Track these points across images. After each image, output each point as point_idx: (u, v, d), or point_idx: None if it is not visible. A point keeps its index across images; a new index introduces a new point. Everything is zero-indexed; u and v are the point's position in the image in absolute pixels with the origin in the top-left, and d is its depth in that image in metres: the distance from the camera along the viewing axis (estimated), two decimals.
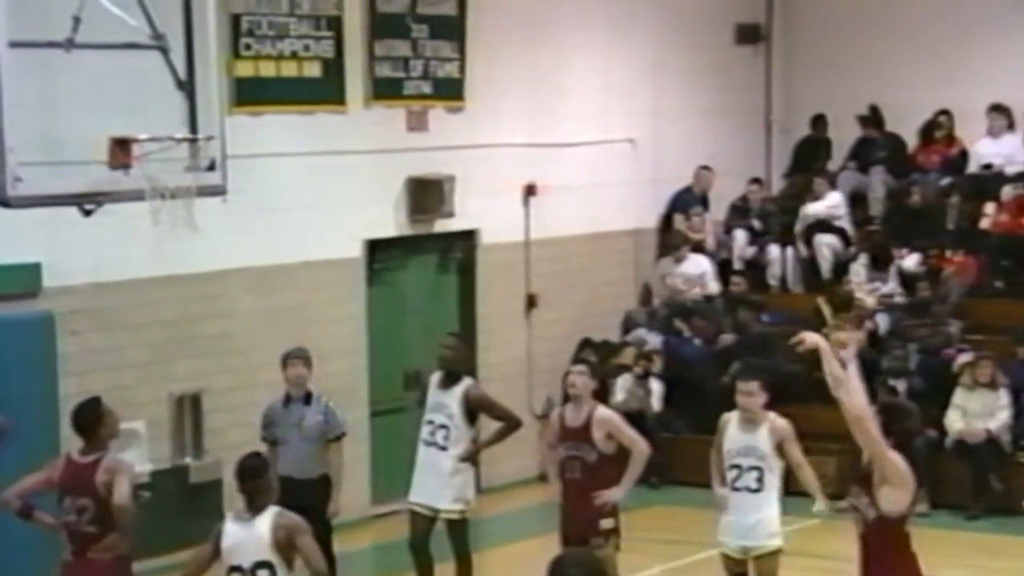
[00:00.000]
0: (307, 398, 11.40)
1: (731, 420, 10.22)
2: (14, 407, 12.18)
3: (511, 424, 11.65)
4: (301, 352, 11.57)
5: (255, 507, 8.18)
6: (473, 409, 11.53)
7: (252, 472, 8.26)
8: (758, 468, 10.07)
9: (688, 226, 17.92)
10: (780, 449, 10.11)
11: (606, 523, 10.40)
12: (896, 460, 7.66)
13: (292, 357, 11.51)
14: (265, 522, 8.12)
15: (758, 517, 10.12)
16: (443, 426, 11.44)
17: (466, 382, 11.59)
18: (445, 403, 11.45)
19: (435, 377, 11.58)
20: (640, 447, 10.47)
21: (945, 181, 17.78)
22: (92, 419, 9.33)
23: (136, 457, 12.09)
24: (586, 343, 16.89)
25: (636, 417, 16.20)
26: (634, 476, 10.48)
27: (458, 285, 16.26)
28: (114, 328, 13.06)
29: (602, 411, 10.56)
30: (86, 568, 9.22)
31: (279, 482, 10.22)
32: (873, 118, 18.55)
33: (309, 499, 10.50)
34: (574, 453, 10.44)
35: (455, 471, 11.46)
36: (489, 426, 12.11)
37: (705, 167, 18.10)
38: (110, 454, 9.27)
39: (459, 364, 11.64)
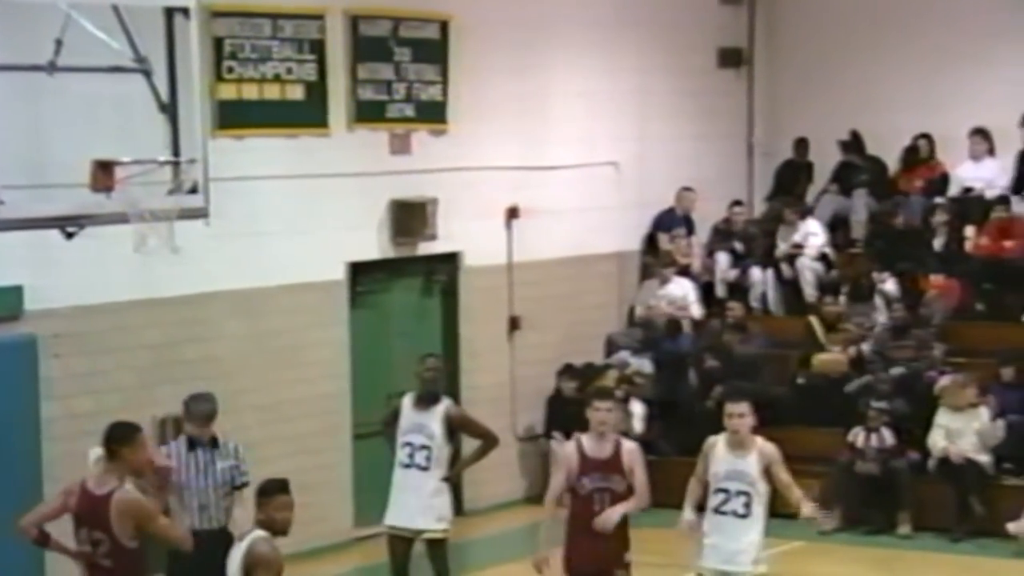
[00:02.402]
0: (214, 441, 10.46)
1: (718, 444, 10.10)
2: None
3: (490, 442, 11.69)
4: (201, 413, 10.49)
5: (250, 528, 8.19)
6: (453, 428, 11.54)
7: (264, 489, 8.24)
8: (746, 493, 9.96)
9: (674, 248, 17.93)
10: (767, 472, 10.01)
11: (628, 556, 10.12)
12: None
13: (192, 419, 10.50)
14: (241, 550, 8.14)
15: (744, 542, 10.02)
16: (424, 447, 11.41)
17: (445, 402, 11.58)
18: (425, 424, 11.42)
19: (408, 398, 11.55)
20: (647, 492, 10.17)
21: (937, 200, 17.74)
22: (118, 439, 9.12)
23: None
24: (568, 369, 16.86)
25: None
26: (632, 508, 10.13)
27: (441, 308, 16.24)
28: (97, 351, 13.00)
29: (628, 442, 10.25)
30: None
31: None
32: (854, 143, 18.61)
33: (210, 552, 9.71)
34: (603, 485, 10.00)
35: (437, 491, 11.46)
36: (467, 445, 12.10)
37: (687, 188, 18.12)
38: (122, 488, 9.02)
39: (440, 385, 11.64)
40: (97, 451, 11.05)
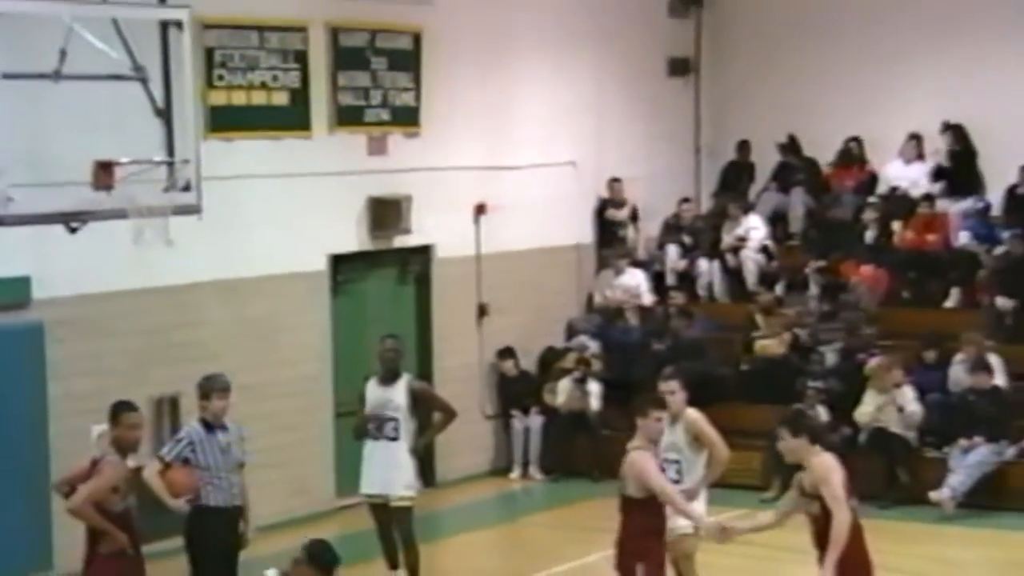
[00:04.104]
0: (223, 425, 10.36)
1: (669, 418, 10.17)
2: (5, 409, 12.12)
3: (449, 415, 11.82)
4: (226, 384, 10.39)
5: None
6: (417, 400, 11.60)
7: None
8: (677, 462, 10.13)
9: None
10: (698, 440, 10.14)
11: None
12: None
13: (218, 390, 10.30)
14: None
15: None
16: (391, 419, 11.50)
17: (407, 377, 11.70)
18: (391, 398, 11.51)
19: (372, 380, 11.61)
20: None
21: (871, 199, 17.85)
22: (109, 416, 9.28)
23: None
24: (506, 351, 16.74)
25: (578, 417, 16.31)
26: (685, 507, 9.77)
27: (415, 296, 16.27)
28: (97, 336, 12.99)
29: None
30: (93, 564, 9.13)
31: (209, 513, 9.99)
32: (791, 145, 18.71)
33: (231, 529, 9.93)
34: None
35: (406, 461, 11.55)
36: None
37: (615, 179, 18.08)
38: (109, 456, 9.06)
39: (399, 364, 11.70)
40: (99, 428, 11.09)
